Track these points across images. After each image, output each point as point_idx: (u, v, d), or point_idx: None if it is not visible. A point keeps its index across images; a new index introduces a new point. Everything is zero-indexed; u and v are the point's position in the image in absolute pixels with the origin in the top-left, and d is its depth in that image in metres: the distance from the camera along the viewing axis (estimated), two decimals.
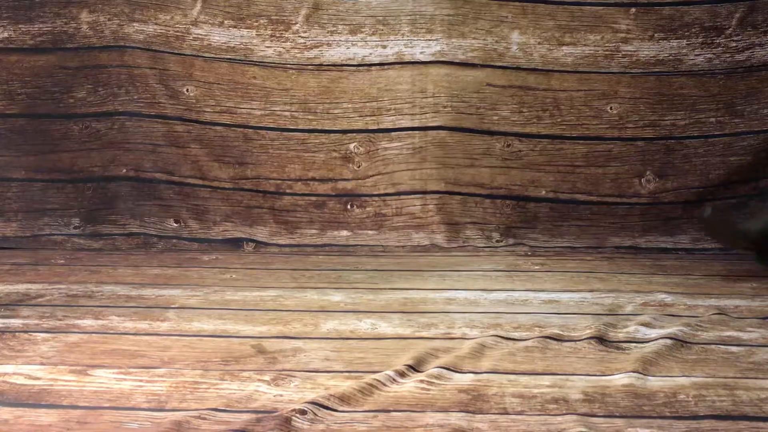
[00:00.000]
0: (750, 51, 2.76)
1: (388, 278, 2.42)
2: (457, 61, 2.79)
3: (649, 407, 1.47)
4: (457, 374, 1.62)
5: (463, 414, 1.43)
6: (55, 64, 2.90)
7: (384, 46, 2.81)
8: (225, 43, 2.84)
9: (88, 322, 1.98)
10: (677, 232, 2.78)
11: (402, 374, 1.60)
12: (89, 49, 2.89)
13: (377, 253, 2.79)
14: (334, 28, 2.83)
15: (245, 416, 1.42)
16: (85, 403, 1.50)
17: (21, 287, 2.33)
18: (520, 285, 2.32)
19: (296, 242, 2.85)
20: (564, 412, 1.45)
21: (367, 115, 2.83)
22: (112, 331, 1.92)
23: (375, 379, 1.56)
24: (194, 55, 2.85)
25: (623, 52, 2.77)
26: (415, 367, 1.64)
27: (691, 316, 2.01)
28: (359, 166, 2.85)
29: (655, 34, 2.77)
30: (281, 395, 1.53)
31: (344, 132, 2.84)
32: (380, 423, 1.40)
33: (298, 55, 2.83)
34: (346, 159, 2.85)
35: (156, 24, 2.86)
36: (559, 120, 2.80)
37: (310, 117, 2.85)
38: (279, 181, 2.87)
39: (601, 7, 2.77)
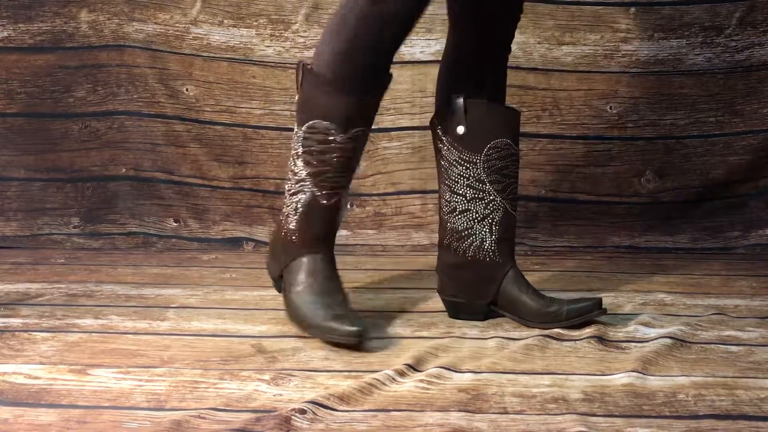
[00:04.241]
0: (750, 50, 2.76)
1: (388, 278, 2.42)
2: None
3: (649, 407, 1.47)
4: (457, 374, 1.62)
5: (463, 413, 1.43)
6: (54, 63, 2.90)
7: None
8: (225, 42, 2.84)
9: (87, 322, 1.98)
10: (677, 232, 2.78)
11: (401, 374, 1.60)
12: (89, 49, 2.89)
13: (377, 253, 2.79)
14: None
15: (245, 416, 1.42)
16: (84, 403, 1.50)
17: (20, 286, 2.33)
18: None
19: None
20: (564, 411, 1.45)
21: None
22: (111, 331, 1.92)
23: (374, 379, 1.56)
24: (194, 55, 2.86)
25: (623, 52, 2.77)
26: (414, 367, 1.64)
27: (690, 315, 2.01)
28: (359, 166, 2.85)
29: (655, 34, 2.77)
30: (281, 394, 1.53)
31: None
32: (380, 422, 1.41)
33: (298, 54, 2.83)
34: None
35: (156, 23, 2.86)
36: (558, 119, 2.80)
37: None
38: (279, 181, 2.86)
39: (601, 7, 2.77)
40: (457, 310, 2.00)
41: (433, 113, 2.02)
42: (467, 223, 1.96)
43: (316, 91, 1.82)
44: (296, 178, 1.86)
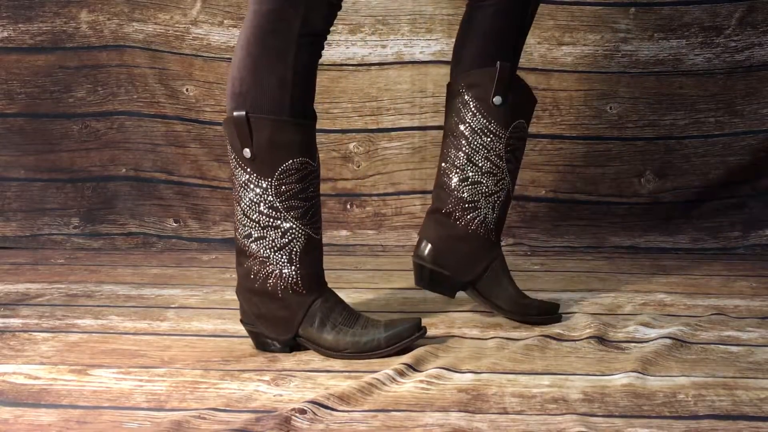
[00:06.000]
0: (749, 51, 2.76)
1: (388, 278, 2.42)
2: None
3: (649, 407, 1.47)
4: (457, 374, 1.62)
5: (463, 414, 1.44)
6: (54, 63, 2.90)
7: (384, 46, 2.81)
8: (225, 42, 2.84)
9: (87, 322, 1.98)
10: (677, 232, 2.78)
11: (401, 374, 1.60)
12: (89, 49, 2.89)
13: (377, 253, 2.79)
14: (334, 28, 2.82)
15: (245, 416, 1.42)
16: (84, 403, 1.50)
17: (20, 287, 2.33)
18: (519, 285, 2.32)
19: None
20: (563, 411, 1.45)
21: (366, 115, 2.84)
22: (111, 331, 1.92)
23: (375, 379, 1.56)
24: (194, 55, 2.86)
25: (623, 52, 2.77)
26: (414, 367, 1.64)
27: (690, 315, 2.01)
28: (359, 166, 2.85)
29: (655, 34, 2.77)
30: (281, 395, 1.53)
31: (344, 132, 2.84)
32: (380, 423, 1.41)
33: None
34: (345, 159, 2.85)
35: (155, 24, 2.86)
36: (558, 119, 2.80)
37: None
38: None
39: (601, 7, 2.77)
40: (432, 282, 1.96)
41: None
42: (475, 196, 1.94)
43: (280, 133, 1.70)
44: (279, 231, 1.72)
